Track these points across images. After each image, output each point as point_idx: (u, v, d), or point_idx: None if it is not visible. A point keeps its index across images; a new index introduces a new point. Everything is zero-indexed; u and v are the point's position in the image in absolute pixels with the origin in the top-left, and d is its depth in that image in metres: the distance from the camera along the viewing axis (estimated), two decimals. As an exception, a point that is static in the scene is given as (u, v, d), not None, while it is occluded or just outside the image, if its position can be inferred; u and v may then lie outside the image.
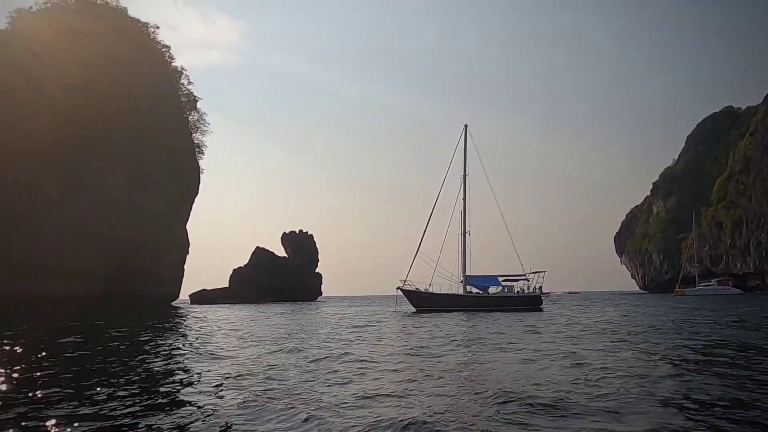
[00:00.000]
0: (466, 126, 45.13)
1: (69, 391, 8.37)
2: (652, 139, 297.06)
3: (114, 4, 74.54)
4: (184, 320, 30.35)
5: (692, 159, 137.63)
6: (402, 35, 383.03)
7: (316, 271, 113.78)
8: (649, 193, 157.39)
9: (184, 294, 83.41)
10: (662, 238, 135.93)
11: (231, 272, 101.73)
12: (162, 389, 8.57)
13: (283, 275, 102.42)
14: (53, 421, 6.43)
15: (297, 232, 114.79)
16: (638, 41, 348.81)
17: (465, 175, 44.06)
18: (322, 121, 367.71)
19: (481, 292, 43.29)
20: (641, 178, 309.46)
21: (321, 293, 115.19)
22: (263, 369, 10.34)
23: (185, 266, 75.59)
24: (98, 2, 72.60)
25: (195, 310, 52.66)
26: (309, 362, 11.33)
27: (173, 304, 75.35)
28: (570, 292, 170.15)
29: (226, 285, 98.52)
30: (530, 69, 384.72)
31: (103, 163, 61.78)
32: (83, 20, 66.80)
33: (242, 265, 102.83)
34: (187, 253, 76.50)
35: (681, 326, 19.87)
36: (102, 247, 59.25)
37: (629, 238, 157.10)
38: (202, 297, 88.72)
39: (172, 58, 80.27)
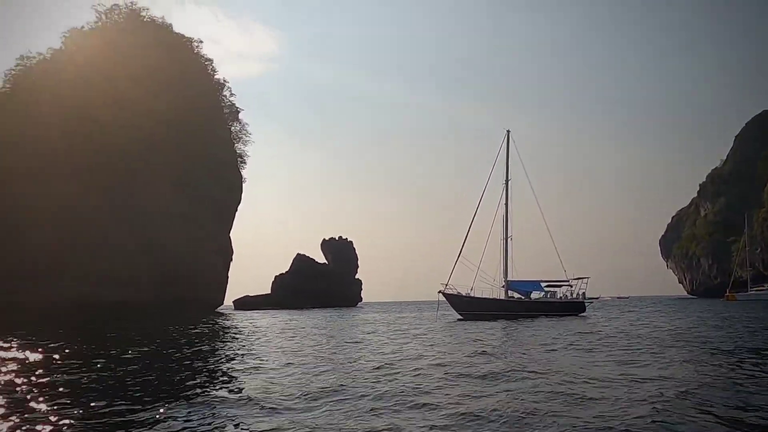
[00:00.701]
0: (508, 132, 45.30)
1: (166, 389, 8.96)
2: (699, 139, 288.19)
3: (160, 21, 77.46)
4: (247, 327, 31.26)
5: (741, 159, 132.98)
6: (438, 39, 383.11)
7: (356, 277, 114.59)
8: (695, 195, 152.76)
9: (228, 300, 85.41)
10: (710, 241, 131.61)
11: (273, 279, 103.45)
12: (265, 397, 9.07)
13: (324, 281, 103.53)
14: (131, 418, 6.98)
15: (337, 238, 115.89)
16: (684, 38, 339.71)
17: (507, 180, 44.18)
18: (359, 127, 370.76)
19: (522, 297, 43.10)
20: (687, 180, 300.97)
21: (361, 299, 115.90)
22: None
23: (229, 273, 77.59)
24: (145, 20, 75.50)
25: (238, 316, 54.01)
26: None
27: (218, 310, 77.29)
28: (619, 297, 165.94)
29: (268, 291, 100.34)
30: (570, 69, 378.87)
31: (151, 174, 64.04)
32: (131, 37, 69.61)
33: (284, 272, 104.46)
34: (231, 260, 78.45)
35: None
36: (151, 255, 61.34)
37: (675, 242, 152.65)
38: (245, 303, 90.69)
39: (214, 71, 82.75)
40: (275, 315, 51.71)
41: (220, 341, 20.21)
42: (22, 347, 16.57)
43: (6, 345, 17.50)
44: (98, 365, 12.49)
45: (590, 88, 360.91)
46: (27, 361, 13.30)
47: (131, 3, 75.73)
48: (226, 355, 15.06)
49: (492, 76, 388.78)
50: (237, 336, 22.65)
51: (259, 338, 20.89)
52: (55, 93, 63.17)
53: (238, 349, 16.59)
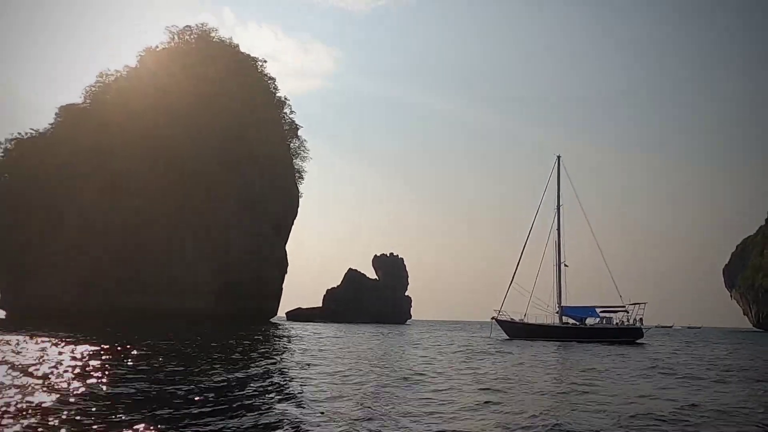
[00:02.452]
0: (558, 157, 45.48)
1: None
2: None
3: (228, 41, 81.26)
4: (311, 339, 32.50)
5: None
6: (497, 56, 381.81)
7: (406, 294, 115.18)
8: (764, 223, 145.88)
9: (281, 311, 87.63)
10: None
11: (324, 292, 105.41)
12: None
13: (374, 297, 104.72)
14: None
15: (388, 254, 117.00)
16: (749, 60, 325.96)
17: (559, 206, 44.25)
18: (412, 142, 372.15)
19: (577, 323, 42.71)
20: (754, 208, 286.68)
21: (410, 316, 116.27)
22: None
23: (283, 285, 79.74)
24: (215, 40, 79.40)
25: (295, 327, 55.60)
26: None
27: (272, 320, 79.46)
28: (690, 327, 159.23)
29: (320, 304, 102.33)
30: (627, 88, 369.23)
31: (216, 188, 67.01)
32: (201, 57, 73.43)
33: (335, 286, 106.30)
34: (286, 272, 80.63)
35: None
36: (215, 266, 64.00)
37: (741, 271, 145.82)
38: (298, 315, 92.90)
39: (276, 89, 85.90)
40: (339, 329, 52.88)
41: (314, 355, 21.36)
42: (121, 350, 18.14)
43: (100, 347, 19.16)
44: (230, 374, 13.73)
45: (660, 109, 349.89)
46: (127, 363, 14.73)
47: (202, 24, 79.93)
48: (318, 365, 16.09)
49: (546, 95, 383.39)
50: (323, 350, 23.78)
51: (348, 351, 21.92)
52: (130, 109, 67.31)
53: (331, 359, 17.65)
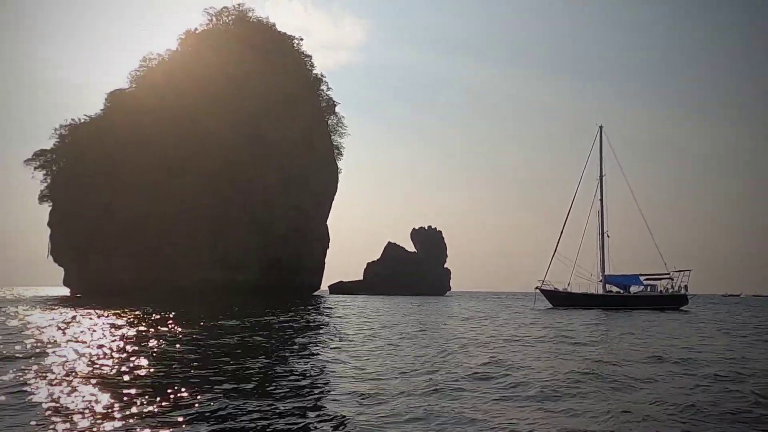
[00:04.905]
0: (600, 127, 45.35)
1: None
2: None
3: (265, 20, 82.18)
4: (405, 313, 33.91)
5: None
6: (531, 24, 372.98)
7: (445, 266, 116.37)
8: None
9: (323, 285, 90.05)
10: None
11: (365, 266, 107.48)
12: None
13: (413, 270, 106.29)
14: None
15: (426, 228, 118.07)
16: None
17: (601, 176, 44.33)
18: (449, 115, 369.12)
19: (621, 291, 43.09)
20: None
21: (450, 288, 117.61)
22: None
23: (325, 259, 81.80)
24: (252, 20, 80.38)
25: (342, 299, 57.50)
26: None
27: (315, 294, 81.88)
28: (729, 295, 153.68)
29: (361, 278, 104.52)
30: (688, 51, 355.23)
31: (258, 168, 68.83)
32: (239, 38, 74.66)
33: (375, 260, 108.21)
34: (328, 247, 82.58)
35: None
36: (260, 241, 66.27)
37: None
38: (340, 288, 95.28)
39: (313, 66, 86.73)
40: (383, 301, 54.47)
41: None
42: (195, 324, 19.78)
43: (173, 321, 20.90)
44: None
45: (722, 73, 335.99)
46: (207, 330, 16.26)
47: (239, 5, 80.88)
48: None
49: (591, 63, 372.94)
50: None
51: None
52: (173, 93, 69.31)
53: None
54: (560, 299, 41.15)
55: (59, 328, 16.44)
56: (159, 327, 17.12)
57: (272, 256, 66.97)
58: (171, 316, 22.43)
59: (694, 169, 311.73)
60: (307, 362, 10.59)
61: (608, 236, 43.37)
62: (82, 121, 71.98)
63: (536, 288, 41.52)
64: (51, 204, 69.70)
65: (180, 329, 16.40)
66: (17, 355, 10.63)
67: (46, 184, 70.08)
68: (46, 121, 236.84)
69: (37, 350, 11.30)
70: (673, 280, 42.63)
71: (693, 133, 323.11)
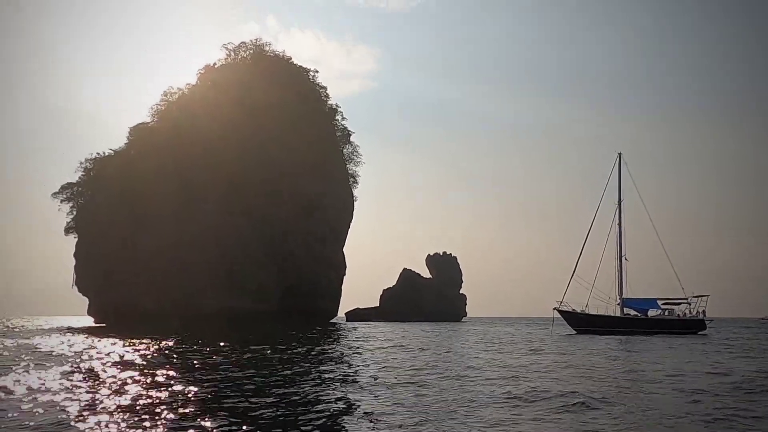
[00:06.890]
0: (620, 154, 46.33)
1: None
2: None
3: (281, 54, 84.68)
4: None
5: None
6: (540, 49, 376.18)
7: (461, 292, 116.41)
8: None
9: (340, 312, 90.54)
10: None
11: (381, 292, 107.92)
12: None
13: (429, 296, 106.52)
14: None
15: (441, 253, 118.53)
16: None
17: (620, 201, 45.12)
18: (462, 140, 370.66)
19: (639, 314, 43.37)
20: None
21: (466, 314, 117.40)
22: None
23: (342, 286, 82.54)
24: (269, 54, 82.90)
25: (359, 327, 58.06)
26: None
27: (332, 321, 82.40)
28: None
29: (377, 304, 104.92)
30: (712, 67, 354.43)
31: (276, 196, 70.26)
32: (257, 72, 76.95)
33: (391, 286, 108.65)
34: (344, 274, 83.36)
35: None
36: (278, 268, 67.31)
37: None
38: (356, 315, 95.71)
39: (327, 96, 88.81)
40: (399, 328, 54.89)
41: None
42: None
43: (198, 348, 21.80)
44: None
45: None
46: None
47: (256, 40, 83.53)
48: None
49: (603, 85, 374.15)
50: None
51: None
52: (193, 125, 71.41)
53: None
54: (579, 321, 41.54)
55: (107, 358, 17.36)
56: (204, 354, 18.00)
57: (290, 284, 67.87)
58: (200, 342, 23.33)
59: (731, 185, 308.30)
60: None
61: (626, 260, 43.95)
62: (106, 154, 74.35)
63: (554, 309, 41.99)
64: (76, 236, 71.59)
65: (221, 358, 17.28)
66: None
67: (72, 217, 72.14)
68: (71, 155, 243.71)
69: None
70: (690, 305, 42.89)
71: (719, 147, 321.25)
